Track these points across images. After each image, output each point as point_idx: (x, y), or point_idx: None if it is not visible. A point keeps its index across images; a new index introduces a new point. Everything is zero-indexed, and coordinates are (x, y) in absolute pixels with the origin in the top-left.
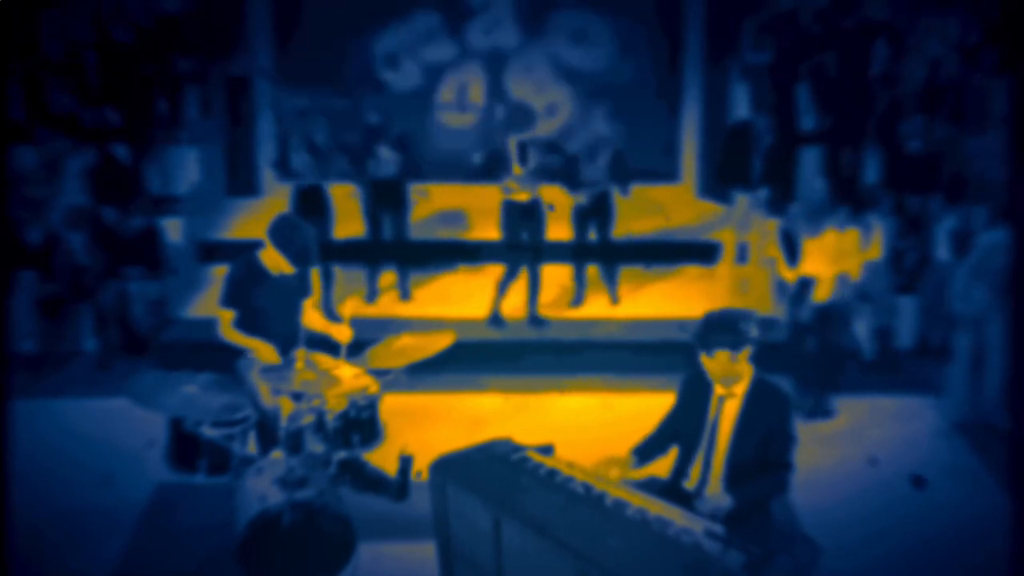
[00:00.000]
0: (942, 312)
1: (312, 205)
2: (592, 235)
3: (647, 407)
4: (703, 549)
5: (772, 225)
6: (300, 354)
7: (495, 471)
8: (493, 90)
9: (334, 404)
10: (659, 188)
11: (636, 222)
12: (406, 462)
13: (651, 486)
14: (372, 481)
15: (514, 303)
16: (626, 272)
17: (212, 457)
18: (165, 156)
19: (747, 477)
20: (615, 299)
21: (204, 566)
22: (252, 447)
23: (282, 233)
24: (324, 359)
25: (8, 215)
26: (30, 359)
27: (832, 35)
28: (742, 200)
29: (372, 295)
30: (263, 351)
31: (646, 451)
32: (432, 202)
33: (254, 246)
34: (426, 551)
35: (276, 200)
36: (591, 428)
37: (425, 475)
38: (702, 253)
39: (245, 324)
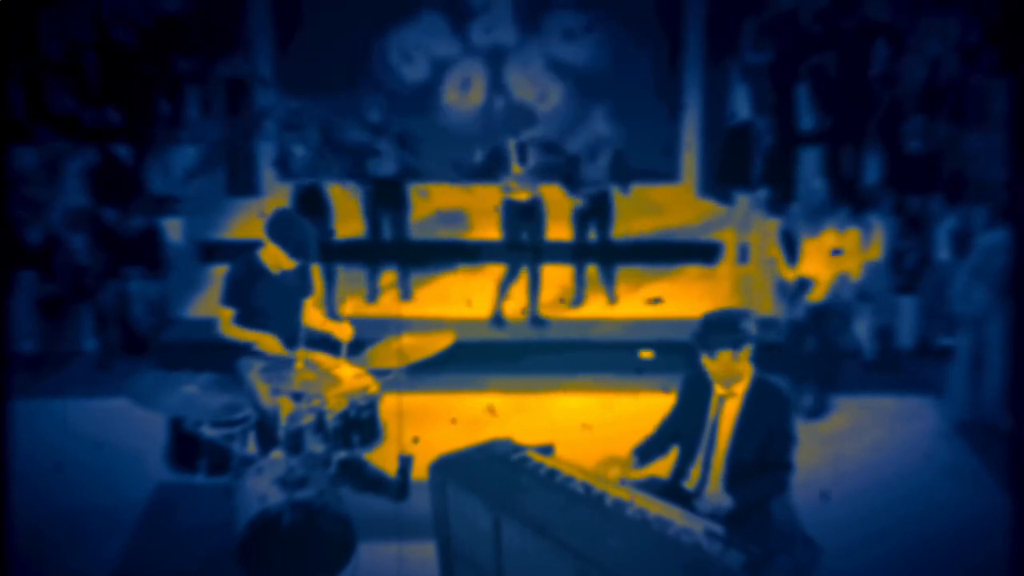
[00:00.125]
0: (942, 312)
1: (312, 205)
2: (592, 235)
3: (647, 407)
4: (703, 549)
5: (773, 225)
6: (300, 354)
7: (495, 471)
8: (493, 85)
9: (334, 404)
10: (659, 188)
11: (636, 222)
12: (406, 462)
13: (651, 486)
14: (372, 481)
15: (514, 303)
16: (627, 272)
17: (212, 457)
18: (166, 156)
19: (747, 477)
20: (612, 299)
21: (204, 566)
22: (252, 447)
23: (280, 226)
24: (324, 359)
25: (8, 215)
26: (30, 359)
27: (832, 35)
28: (743, 200)
29: (372, 295)
30: (267, 343)
31: (646, 451)
32: (432, 202)
33: (254, 246)
34: (426, 551)
35: (276, 200)
36: (591, 428)
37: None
38: (702, 253)
39: (245, 323)
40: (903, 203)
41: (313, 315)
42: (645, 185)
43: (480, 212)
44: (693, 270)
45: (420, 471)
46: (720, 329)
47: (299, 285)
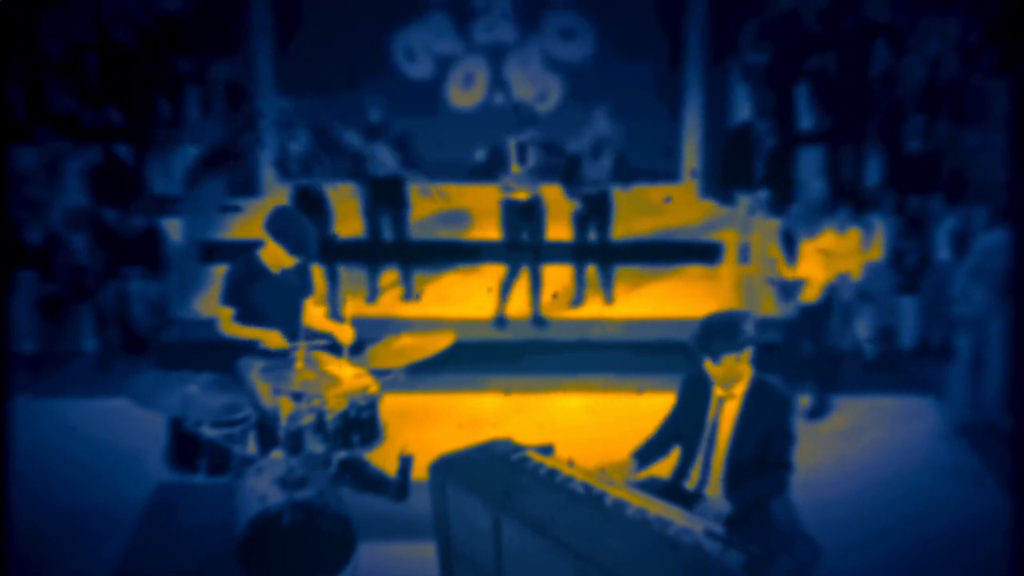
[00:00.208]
0: (942, 312)
1: (311, 205)
2: (592, 236)
3: (647, 407)
4: (703, 549)
5: (774, 225)
6: (300, 354)
7: (495, 471)
8: (495, 82)
9: (334, 404)
10: (660, 188)
11: (636, 222)
12: (406, 462)
13: (652, 486)
14: (372, 481)
15: (515, 303)
16: (627, 272)
17: (212, 457)
18: (167, 156)
19: (747, 477)
20: (609, 299)
21: (204, 566)
22: (252, 447)
23: (279, 224)
24: (324, 359)
25: (8, 215)
26: (30, 359)
27: (832, 35)
28: (744, 201)
29: (373, 295)
30: (269, 338)
31: (646, 454)
32: (431, 201)
33: (254, 246)
34: (426, 551)
35: (276, 200)
36: (591, 428)
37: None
38: (703, 253)
39: (245, 323)
40: (903, 203)
41: (313, 315)
42: (645, 185)
43: (481, 212)
44: (694, 270)
45: (420, 471)
46: (723, 333)
47: (299, 285)
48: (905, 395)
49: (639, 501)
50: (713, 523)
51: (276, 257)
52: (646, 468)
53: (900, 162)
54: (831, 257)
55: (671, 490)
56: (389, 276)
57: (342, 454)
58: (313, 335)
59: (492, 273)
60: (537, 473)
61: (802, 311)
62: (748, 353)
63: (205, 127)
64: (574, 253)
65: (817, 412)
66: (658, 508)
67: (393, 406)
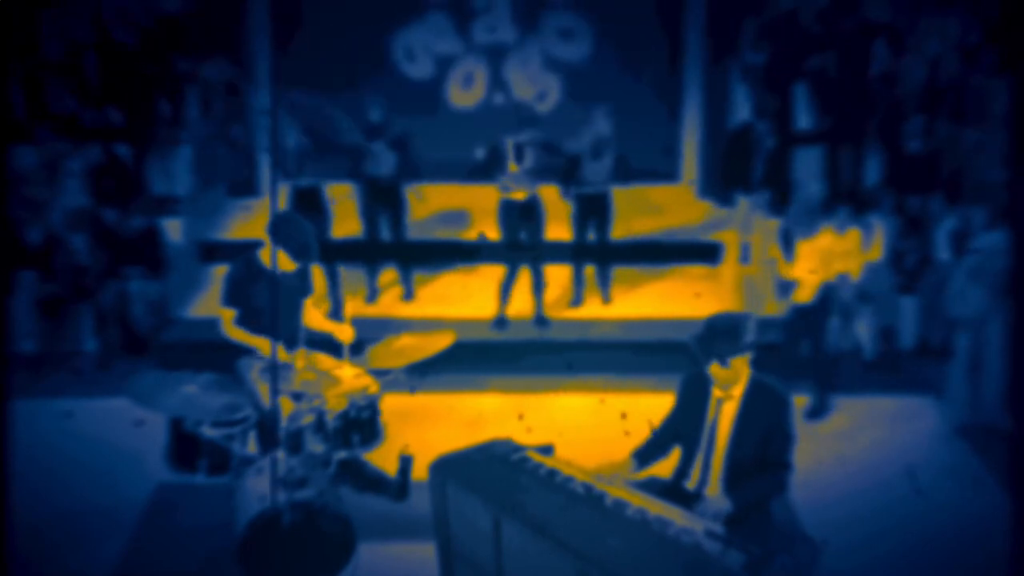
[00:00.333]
0: (942, 313)
1: (309, 205)
2: (591, 236)
3: (647, 407)
4: (703, 549)
5: (774, 225)
6: (300, 354)
7: (495, 471)
8: (494, 81)
9: (334, 404)
10: (659, 188)
11: (636, 222)
12: (406, 462)
13: (652, 486)
14: (372, 481)
15: (515, 304)
16: (627, 273)
17: (212, 457)
18: (167, 156)
19: (747, 477)
20: (607, 299)
21: (204, 566)
22: (252, 447)
23: (282, 229)
24: (324, 359)
25: (8, 215)
26: (30, 359)
27: (832, 35)
28: (743, 203)
29: (372, 295)
30: (268, 348)
31: (646, 454)
32: (432, 201)
33: (254, 246)
34: (426, 551)
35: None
36: (591, 428)
37: None
38: (703, 253)
39: (246, 323)
40: (903, 203)
41: (313, 315)
42: (645, 185)
43: (481, 212)
44: (694, 270)
45: (420, 471)
46: (728, 336)
47: (299, 285)
48: (905, 395)
49: (639, 501)
50: (713, 523)
51: (277, 260)
52: (646, 468)
53: (900, 162)
54: (829, 257)
55: (671, 490)
56: (388, 276)
57: (342, 454)
58: (313, 335)
59: (492, 273)
60: (537, 473)
61: (796, 312)
62: (749, 355)
63: (205, 127)
64: (573, 253)
65: (816, 412)
66: (658, 508)
67: (393, 406)
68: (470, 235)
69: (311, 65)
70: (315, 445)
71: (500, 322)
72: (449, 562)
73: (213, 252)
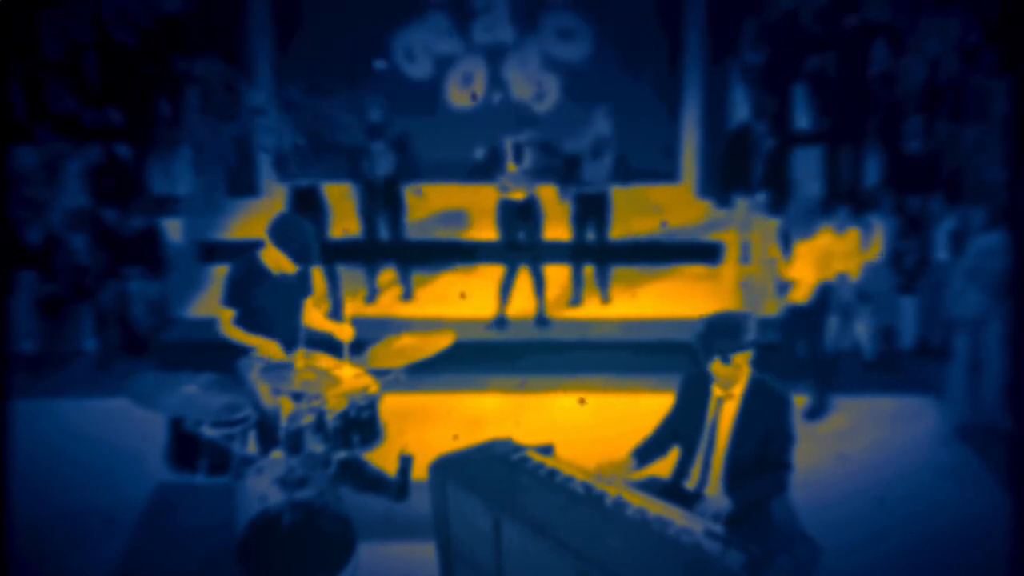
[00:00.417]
0: (941, 313)
1: (308, 205)
2: (590, 236)
3: (647, 407)
4: (703, 549)
5: (774, 225)
6: (300, 354)
7: (495, 471)
8: (493, 81)
9: (334, 404)
10: (659, 188)
11: (635, 222)
12: (406, 462)
13: (652, 486)
14: (372, 481)
15: (515, 304)
16: (627, 272)
17: (212, 457)
18: (167, 156)
19: (747, 477)
20: (606, 299)
21: (204, 566)
22: (252, 447)
23: (282, 231)
24: (324, 359)
25: (8, 215)
26: (30, 359)
27: (831, 35)
28: (743, 203)
29: (372, 295)
30: (268, 348)
31: (645, 453)
32: (431, 201)
33: (254, 246)
34: (426, 551)
35: (276, 200)
36: (591, 428)
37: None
38: (702, 253)
39: (246, 324)
40: (903, 203)
41: (313, 316)
42: (645, 185)
43: (480, 212)
44: (694, 270)
45: (420, 471)
46: (730, 332)
47: (299, 286)
48: (904, 395)
49: (639, 501)
50: (713, 523)
51: (278, 262)
52: (645, 467)
53: (899, 162)
54: (827, 257)
55: (671, 490)
56: (387, 276)
57: (342, 454)
58: (313, 335)
59: (492, 273)
60: (537, 473)
61: (793, 312)
62: (750, 353)
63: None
64: (571, 253)
65: (816, 412)
66: (658, 508)
67: (393, 406)
68: (469, 235)
69: (311, 65)
70: (315, 445)
71: (500, 322)
72: (449, 562)
73: (213, 252)
